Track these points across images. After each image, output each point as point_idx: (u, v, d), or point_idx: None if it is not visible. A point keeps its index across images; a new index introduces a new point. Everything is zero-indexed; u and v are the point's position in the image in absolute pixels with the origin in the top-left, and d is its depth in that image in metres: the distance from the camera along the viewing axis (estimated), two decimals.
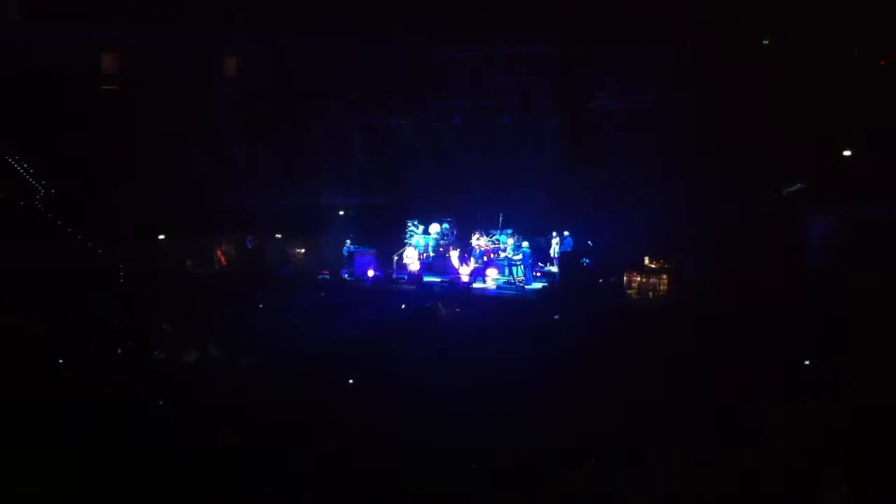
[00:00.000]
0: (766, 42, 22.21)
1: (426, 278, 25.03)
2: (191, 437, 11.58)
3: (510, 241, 25.13)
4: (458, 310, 21.43)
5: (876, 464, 9.94)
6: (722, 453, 10.02)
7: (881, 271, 18.34)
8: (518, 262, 24.68)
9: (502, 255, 25.22)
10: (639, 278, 22.60)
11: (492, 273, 25.03)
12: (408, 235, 26.44)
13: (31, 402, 12.81)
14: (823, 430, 10.97)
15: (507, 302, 22.97)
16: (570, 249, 24.65)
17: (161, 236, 25.55)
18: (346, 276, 25.54)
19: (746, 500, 9.46)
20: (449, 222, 26.54)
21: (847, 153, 21.81)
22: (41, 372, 14.82)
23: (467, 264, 25.20)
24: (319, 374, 15.18)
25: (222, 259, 25.82)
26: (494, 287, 24.47)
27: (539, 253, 25.58)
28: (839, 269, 19.89)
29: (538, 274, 25.15)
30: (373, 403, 13.00)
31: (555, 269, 24.87)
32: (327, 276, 25.27)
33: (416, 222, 26.55)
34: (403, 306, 21.89)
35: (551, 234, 25.50)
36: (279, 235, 26.68)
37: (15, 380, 14.37)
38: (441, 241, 26.39)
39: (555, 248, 25.43)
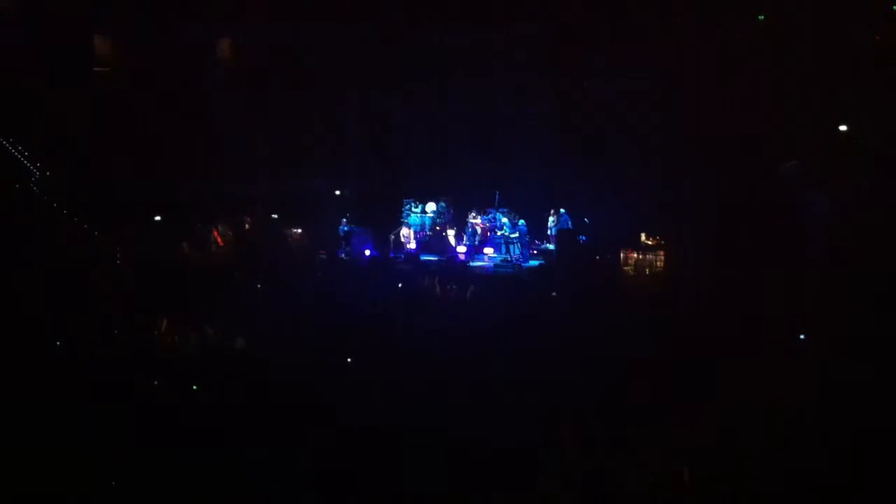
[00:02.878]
0: (761, 17, 22.17)
1: (423, 257, 25.03)
2: (194, 426, 11.68)
3: (505, 219, 25.11)
4: (454, 287, 21.56)
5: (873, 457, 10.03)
6: (720, 439, 10.14)
7: (880, 251, 18.34)
8: (515, 240, 24.67)
9: (499, 233, 25.19)
10: (635, 255, 22.62)
11: (488, 251, 25.03)
12: (404, 214, 26.36)
13: (35, 393, 12.86)
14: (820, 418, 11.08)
15: (504, 280, 23.02)
16: (566, 227, 24.63)
17: (157, 217, 25.43)
18: (343, 255, 25.53)
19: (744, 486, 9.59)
20: (445, 201, 26.46)
21: (843, 127, 21.74)
22: (44, 360, 14.88)
23: (463, 243, 25.19)
24: (319, 357, 15.25)
25: (219, 240, 25.76)
26: (491, 265, 24.48)
27: (536, 231, 25.55)
28: (836, 249, 19.89)
29: (535, 252, 25.14)
30: (370, 391, 13.07)
31: (552, 246, 24.86)
32: (325, 257, 25.24)
33: (413, 202, 26.46)
34: (400, 285, 21.98)
35: (549, 212, 25.43)
36: (275, 216, 26.59)
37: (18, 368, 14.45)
38: (438, 220, 26.34)
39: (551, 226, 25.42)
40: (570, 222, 24.75)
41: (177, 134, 25.14)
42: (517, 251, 24.60)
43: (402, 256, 25.31)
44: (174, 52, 24.96)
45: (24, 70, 23.53)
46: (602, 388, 12.61)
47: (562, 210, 24.97)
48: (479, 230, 25.40)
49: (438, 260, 24.73)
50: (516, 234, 24.66)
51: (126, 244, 24.06)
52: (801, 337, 16.58)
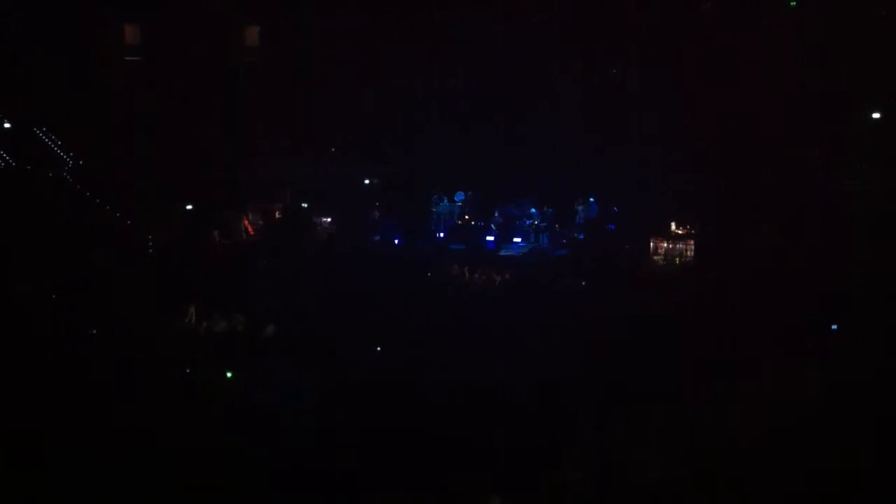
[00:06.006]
0: (793, 3, 21.93)
1: (451, 246, 25.09)
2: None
3: (533, 208, 25.11)
4: (480, 274, 21.68)
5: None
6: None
7: None
8: (544, 229, 24.68)
9: (528, 222, 25.20)
10: (665, 244, 22.54)
11: (516, 240, 25.06)
12: (433, 203, 26.42)
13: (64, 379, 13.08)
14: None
15: (530, 268, 23.03)
16: (594, 216, 24.58)
17: (188, 206, 25.65)
18: (373, 243, 25.63)
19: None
20: (473, 190, 26.46)
21: (876, 115, 21.46)
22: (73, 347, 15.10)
23: (490, 233, 25.23)
24: (349, 347, 15.41)
25: (249, 229, 25.95)
26: (519, 254, 24.49)
27: (565, 219, 25.50)
28: (858, 237, 19.62)
29: (564, 241, 25.09)
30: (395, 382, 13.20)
31: (581, 236, 24.82)
32: (353, 245, 25.34)
33: (439, 191, 26.50)
34: (429, 274, 22.13)
35: (577, 200, 25.36)
36: (305, 205, 26.74)
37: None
38: (466, 209, 26.39)
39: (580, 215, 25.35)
40: (597, 211, 24.72)
41: (207, 122, 25.35)
42: (546, 240, 24.60)
43: (431, 245, 25.39)
44: (203, 40, 25.15)
45: (55, 61, 23.84)
46: (624, 379, 12.62)
47: (591, 199, 24.92)
48: (507, 219, 25.44)
49: (466, 248, 24.77)
50: (545, 224, 24.67)
51: (157, 233, 24.28)
52: (834, 327, 16.44)
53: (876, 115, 21.00)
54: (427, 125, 27.06)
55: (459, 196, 26.29)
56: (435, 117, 27.12)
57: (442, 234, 25.89)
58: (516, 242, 25.07)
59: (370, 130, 27.03)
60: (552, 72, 25.57)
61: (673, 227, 22.87)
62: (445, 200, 26.34)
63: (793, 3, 21.97)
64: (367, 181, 27.52)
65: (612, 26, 23.37)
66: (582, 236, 24.55)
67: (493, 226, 25.41)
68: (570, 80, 25.64)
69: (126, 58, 25.82)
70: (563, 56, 24.95)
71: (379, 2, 23.87)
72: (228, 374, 15.16)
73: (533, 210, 25.21)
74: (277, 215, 26.46)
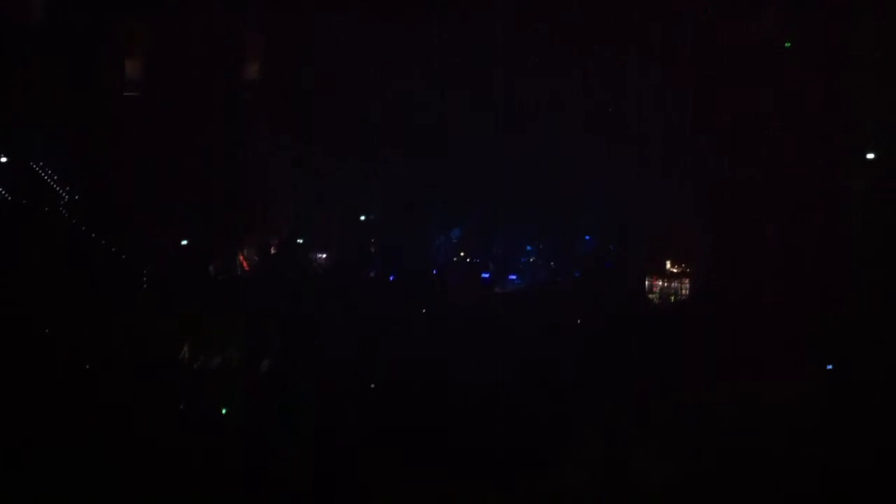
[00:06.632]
0: (787, 45, 22.03)
1: (447, 280, 25.10)
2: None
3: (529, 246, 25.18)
4: (473, 306, 21.82)
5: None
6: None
7: None
8: (540, 265, 24.73)
9: (522, 259, 25.25)
10: (660, 282, 22.58)
11: (511, 277, 25.08)
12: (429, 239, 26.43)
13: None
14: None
15: (525, 304, 23.06)
16: (590, 252, 24.62)
17: (184, 241, 25.62)
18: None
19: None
20: (468, 226, 26.46)
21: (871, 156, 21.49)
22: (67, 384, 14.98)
23: (485, 270, 25.27)
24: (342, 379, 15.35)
25: (245, 264, 25.93)
26: (515, 288, 24.52)
27: (560, 256, 25.52)
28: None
29: (559, 278, 25.11)
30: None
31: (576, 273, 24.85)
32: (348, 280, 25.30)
33: (435, 227, 26.50)
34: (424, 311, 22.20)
35: (574, 237, 25.38)
36: (300, 241, 26.73)
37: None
38: (462, 245, 26.39)
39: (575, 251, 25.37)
40: (593, 248, 24.75)
41: (207, 159, 25.37)
42: (542, 276, 24.63)
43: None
44: (196, 69, 25.29)
45: (52, 94, 23.91)
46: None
47: (587, 237, 24.96)
48: (503, 255, 25.49)
49: (462, 283, 24.77)
50: (541, 261, 24.73)
51: (153, 267, 24.23)
52: (829, 367, 16.44)
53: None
54: (423, 162, 27.03)
55: (455, 232, 26.30)
56: (431, 155, 27.09)
57: (435, 271, 25.89)
58: (512, 280, 25.09)
59: (366, 165, 26.99)
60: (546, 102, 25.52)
61: (668, 265, 22.89)
62: (442, 236, 26.36)
63: (787, 45, 22.09)
64: (362, 217, 27.50)
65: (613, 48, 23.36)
66: (578, 273, 24.57)
67: (490, 262, 25.46)
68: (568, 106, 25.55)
69: (124, 93, 25.85)
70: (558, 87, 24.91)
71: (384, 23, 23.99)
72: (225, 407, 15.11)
73: (528, 247, 25.24)
74: (273, 251, 26.44)
